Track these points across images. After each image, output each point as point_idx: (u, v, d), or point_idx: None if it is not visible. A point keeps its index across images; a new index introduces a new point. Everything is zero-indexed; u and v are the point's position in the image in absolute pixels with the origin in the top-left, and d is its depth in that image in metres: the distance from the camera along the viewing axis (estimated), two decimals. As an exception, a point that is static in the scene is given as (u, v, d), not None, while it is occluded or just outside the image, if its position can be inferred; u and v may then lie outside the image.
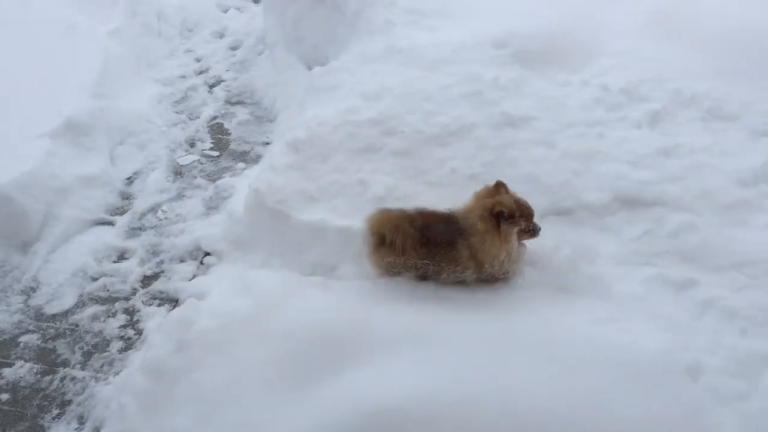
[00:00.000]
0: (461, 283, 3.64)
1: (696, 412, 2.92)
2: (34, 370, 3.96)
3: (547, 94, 4.92)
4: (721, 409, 2.93)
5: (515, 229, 3.49)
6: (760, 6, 5.56)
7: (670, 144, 4.43)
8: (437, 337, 3.29)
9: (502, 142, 4.50)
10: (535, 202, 4.05)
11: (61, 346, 4.11)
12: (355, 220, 4.17)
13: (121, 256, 4.79)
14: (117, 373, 3.89)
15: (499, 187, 3.60)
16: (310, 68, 6.04)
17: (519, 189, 4.14)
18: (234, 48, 7.75)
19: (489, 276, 3.60)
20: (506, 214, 3.44)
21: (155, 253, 4.77)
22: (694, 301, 3.51)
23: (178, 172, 5.68)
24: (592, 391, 2.99)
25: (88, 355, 4.05)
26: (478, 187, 4.21)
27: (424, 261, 3.55)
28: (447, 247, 3.51)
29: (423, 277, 3.65)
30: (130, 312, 4.33)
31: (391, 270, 3.66)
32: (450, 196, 4.20)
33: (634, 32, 5.47)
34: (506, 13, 5.74)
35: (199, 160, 5.85)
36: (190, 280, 4.50)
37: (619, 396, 2.97)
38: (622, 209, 4.05)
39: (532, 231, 3.58)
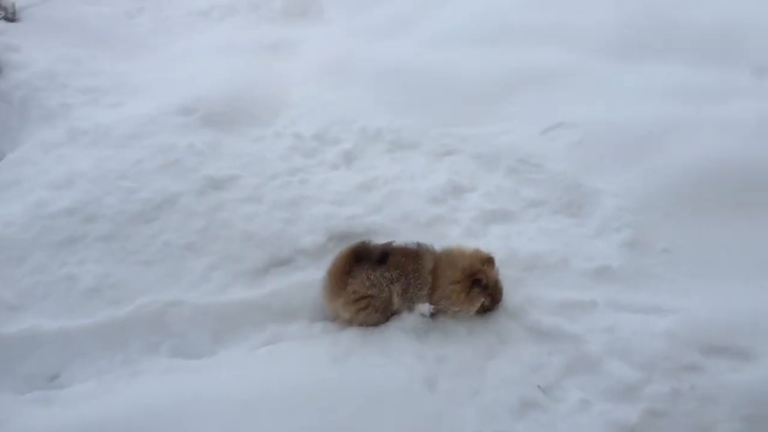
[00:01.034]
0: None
1: (438, 418, 3.15)
2: None
3: (245, 151, 5.04)
4: (460, 408, 3.21)
5: (481, 300, 3.73)
6: (407, 49, 6.41)
7: (367, 178, 4.79)
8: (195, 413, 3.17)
9: (210, 206, 4.49)
10: (255, 257, 4.15)
11: None
12: (70, 318, 3.85)
13: None
14: None
15: (491, 261, 3.82)
16: (-17, 169, 5.45)
17: (236, 248, 4.21)
18: None
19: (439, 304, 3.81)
20: (482, 284, 3.71)
21: None
22: (424, 319, 3.78)
23: None
24: (348, 424, 3.12)
25: None
26: (196, 255, 4.18)
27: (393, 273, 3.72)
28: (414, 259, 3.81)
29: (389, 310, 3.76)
30: None
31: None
32: (168, 271, 4.10)
33: (311, 81, 5.89)
34: (186, 80, 5.82)
35: None
36: None
37: (372, 421, 3.13)
38: (338, 246, 4.23)
39: (488, 310, 3.80)
